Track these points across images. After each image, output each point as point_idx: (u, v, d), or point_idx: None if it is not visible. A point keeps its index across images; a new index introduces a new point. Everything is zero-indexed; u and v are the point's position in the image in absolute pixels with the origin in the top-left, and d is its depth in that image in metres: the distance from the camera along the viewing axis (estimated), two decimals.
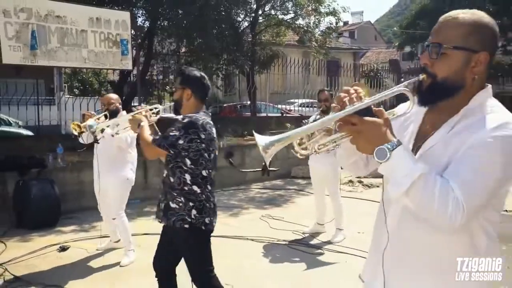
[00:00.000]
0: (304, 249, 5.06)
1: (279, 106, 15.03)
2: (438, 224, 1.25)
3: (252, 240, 5.42)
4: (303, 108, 14.65)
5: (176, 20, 10.56)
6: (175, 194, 2.80)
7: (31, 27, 6.76)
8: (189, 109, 2.90)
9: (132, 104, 8.72)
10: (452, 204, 1.20)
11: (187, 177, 2.81)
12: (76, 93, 18.89)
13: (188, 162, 2.80)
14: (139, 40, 8.74)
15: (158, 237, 3.03)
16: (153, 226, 6.03)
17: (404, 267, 1.43)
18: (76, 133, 4.22)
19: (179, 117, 2.89)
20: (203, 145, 2.80)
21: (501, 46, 20.32)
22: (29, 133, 8.63)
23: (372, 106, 1.33)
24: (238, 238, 5.47)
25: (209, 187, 2.90)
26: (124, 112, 4.83)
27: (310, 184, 8.95)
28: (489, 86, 1.42)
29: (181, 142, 2.73)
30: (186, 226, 2.77)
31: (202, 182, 2.84)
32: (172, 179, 2.83)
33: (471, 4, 18.51)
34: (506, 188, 1.31)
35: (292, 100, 15.22)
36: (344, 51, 25.24)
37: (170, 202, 2.81)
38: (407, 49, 21.85)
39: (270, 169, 4.51)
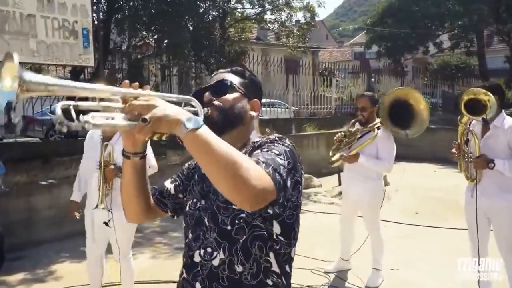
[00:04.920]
0: None
1: None
2: None
3: None
4: (263, 108, 13.34)
5: (134, 11, 9.22)
6: None
7: None
8: (249, 130, 1.50)
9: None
10: None
11: (272, 257, 1.36)
12: None
13: (277, 228, 1.36)
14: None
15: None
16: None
17: None
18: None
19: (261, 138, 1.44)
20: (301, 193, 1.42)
21: (463, 47, 20.36)
22: None
23: None
24: None
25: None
26: None
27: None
28: None
29: (288, 183, 1.26)
30: None
31: (289, 272, 1.43)
32: (240, 267, 1.32)
33: (435, 3, 18.39)
34: None
35: None
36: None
37: None
38: (375, 48, 21.48)
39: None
